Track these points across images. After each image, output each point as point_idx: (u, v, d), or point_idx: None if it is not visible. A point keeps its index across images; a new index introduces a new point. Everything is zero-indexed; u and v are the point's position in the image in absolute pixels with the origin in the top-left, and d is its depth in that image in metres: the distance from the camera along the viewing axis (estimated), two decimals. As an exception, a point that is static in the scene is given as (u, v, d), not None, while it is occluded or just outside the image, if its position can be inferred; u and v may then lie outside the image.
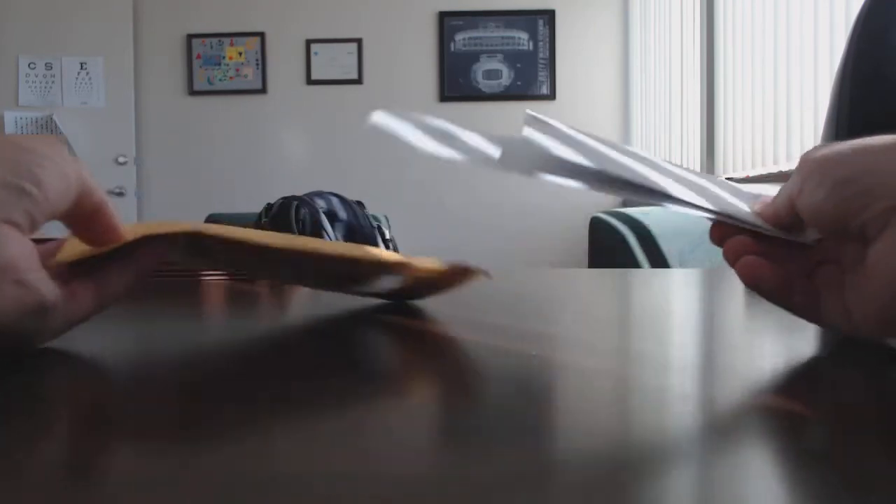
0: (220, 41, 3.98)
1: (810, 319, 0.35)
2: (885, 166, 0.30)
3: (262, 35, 3.97)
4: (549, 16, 3.96)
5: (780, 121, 2.40)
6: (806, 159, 0.34)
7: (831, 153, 0.32)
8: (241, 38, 3.98)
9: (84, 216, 0.34)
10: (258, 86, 3.98)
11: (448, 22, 3.98)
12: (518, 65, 3.97)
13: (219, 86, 3.99)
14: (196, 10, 3.98)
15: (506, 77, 3.98)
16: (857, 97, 0.94)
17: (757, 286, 0.35)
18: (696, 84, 3.05)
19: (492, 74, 3.97)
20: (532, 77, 3.97)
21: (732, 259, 0.35)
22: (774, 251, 0.35)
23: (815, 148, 0.34)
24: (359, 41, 3.97)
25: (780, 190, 0.36)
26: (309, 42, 3.98)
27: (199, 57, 3.99)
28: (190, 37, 3.98)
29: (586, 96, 3.98)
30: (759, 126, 2.55)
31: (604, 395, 0.28)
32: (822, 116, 1.02)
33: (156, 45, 3.99)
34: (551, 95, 3.97)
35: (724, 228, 0.35)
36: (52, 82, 3.91)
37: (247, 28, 3.98)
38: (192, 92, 4.00)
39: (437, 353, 0.34)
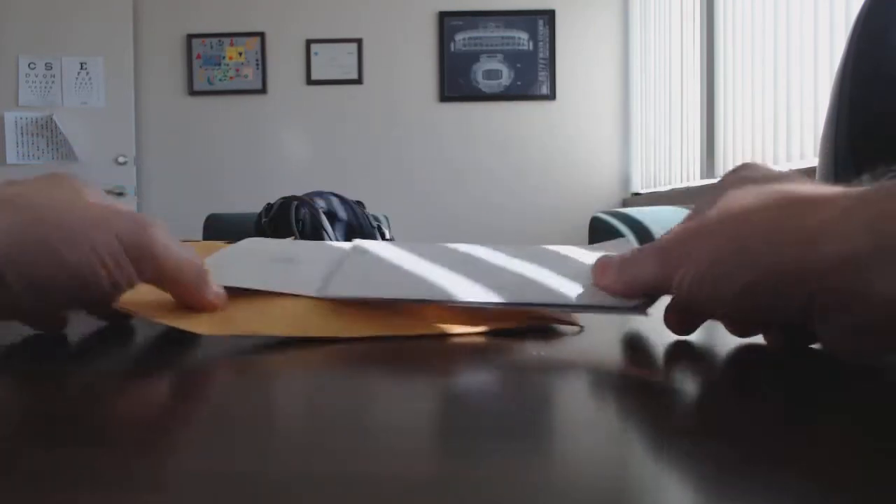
0: (220, 41, 3.98)
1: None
2: (785, 259, 0.28)
3: (262, 35, 3.98)
4: (549, 16, 3.96)
5: (780, 121, 2.41)
6: (688, 250, 0.31)
7: (722, 253, 0.30)
8: (241, 38, 3.98)
9: (158, 284, 0.34)
10: (258, 86, 3.99)
11: (448, 22, 3.98)
12: (518, 65, 3.97)
13: (219, 86, 4.00)
14: (196, 10, 3.98)
15: (506, 77, 3.98)
16: (857, 97, 0.94)
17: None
18: (696, 84, 3.05)
19: (492, 74, 3.98)
20: (532, 77, 3.98)
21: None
22: None
23: (685, 235, 0.32)
24: (359, 41, 3.97)
25: (631, 263, 0.35)
26: (309, 42, 3.98)
27: (199, 57, 3.99)
28: (190, 37, 3.98)
29: (586, 96, 3.98)
30: (759, 126, 2.55)
31: (601, 394, 0.28)
32: (822, 116, 1.02)
33: (156, 45, 3.99)
34: (551, 95, 3.97)
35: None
36: (52, 82, 3.91)
37: (247, 28, 3.98)
38: (192, 92, 4.00)
39: (434, 352, 0.34)
